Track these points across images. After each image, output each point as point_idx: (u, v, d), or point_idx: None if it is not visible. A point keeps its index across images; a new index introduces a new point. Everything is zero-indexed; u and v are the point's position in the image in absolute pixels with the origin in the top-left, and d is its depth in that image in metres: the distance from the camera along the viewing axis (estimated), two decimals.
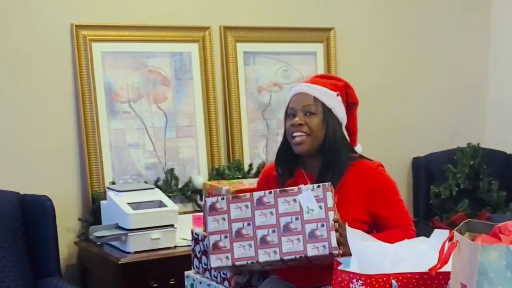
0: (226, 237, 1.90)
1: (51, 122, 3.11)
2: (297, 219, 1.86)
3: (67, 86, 3.13)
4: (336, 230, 1.88)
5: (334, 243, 1.84)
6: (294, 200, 1.86)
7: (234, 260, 1.90)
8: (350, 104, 2.18)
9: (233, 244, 1.89)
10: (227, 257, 1.90)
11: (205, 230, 2.38)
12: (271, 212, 1.87)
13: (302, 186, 1.87)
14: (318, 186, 1.85)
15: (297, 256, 1.88)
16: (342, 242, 1.87)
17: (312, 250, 1.86)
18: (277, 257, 1.88)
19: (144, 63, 3.28)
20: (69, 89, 3.14)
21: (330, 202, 1.84)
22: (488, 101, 4.22)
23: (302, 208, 1.85)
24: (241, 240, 1.89)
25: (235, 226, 1.89)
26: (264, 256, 1.89)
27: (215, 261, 1.92)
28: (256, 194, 1.89)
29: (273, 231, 1.87)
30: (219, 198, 1.91)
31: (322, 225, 1.84)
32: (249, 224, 1.88)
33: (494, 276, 1.34)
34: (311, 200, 1.85)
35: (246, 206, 1.88)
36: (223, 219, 1.90)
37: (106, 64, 3.18)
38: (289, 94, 2.18)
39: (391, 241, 1.97)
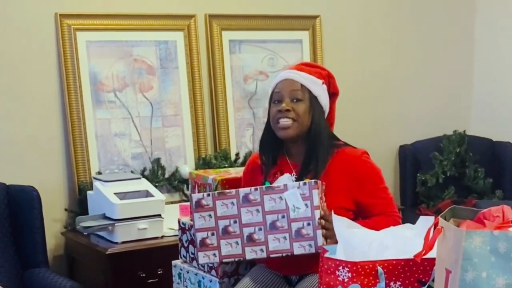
0: (213, 234, 1.90)
1: (36, 112, 3.09)
2: (283, 217, 1.86)
3: (52, 76, 3.11)
4: (323, 227, 1.88)
5: (320, 242, 1.85)
6: (280, 197, 1.86)
7: (222, 258, 1.92)
8: (331, 94, 2.19)
9: (220, 241, 1.90)
10: (214, 254, 1.91)
11: (192, 220, 2.39)
12: (257, 210, 1.87)
13: (288, 183, 1.86)
14: (304, 184, 1.85)
15: (284, 254, 1.90)
16: (330, 235, 1.88)
17: (299, 249, 1.87)
18: (264, 255, 1.90)
19: (129, 52, 3.26)
20: (54, 79, 3.11)
21: (316, 200, 1.84)
22: (474, 89, 4.23)
23: (288, 206, 1.85)
24: (228, 237, 1.89)
25: (222, 223, 1.89)
26: (251, 254, 1.90)
27: (203, 258, 1.93)
28: (242, 191, 1.88)
29: (260, 229, 1.88)
30: (205, 194, 1.89)
31: (308, 224, 1.84)
32: (235, 222, 1.89)
33: (478, 261, 1.35)
34: (297, 198, 1.84)
35: (232, 203, 1.88)
36: (210, 216, 1.89)
37: (91, 53, 3.16)
38: (274, 80, 2.17)
39: (377, 227, 1.98)
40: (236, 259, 1.96)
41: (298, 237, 1.86)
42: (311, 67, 2.18)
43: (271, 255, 1.90)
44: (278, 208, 1.86)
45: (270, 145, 2.17)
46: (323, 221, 1.87)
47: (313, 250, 1.86)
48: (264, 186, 1.89)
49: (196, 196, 1.90)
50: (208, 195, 1.90)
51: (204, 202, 1.89)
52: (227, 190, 1.90)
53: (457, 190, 3.85)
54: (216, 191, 1.91)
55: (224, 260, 1.96)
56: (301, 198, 1.85)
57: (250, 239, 1.88)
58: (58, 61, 3.11)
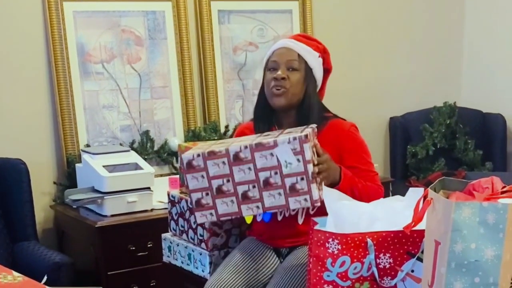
0: (207, 194, 1.88)
1: (23, 85, 3.06)
2: (276, 173, 1.83)
3: (38, 48, 3.07)
4: (318, 172, 1.87)
5: (315, 196, 1.84)
6: (271, 154, 1.83)
7: (219, 216, 1.90)
8: (324, 69, 2.18)
9: (216, 200, 1.88)
10: (211, 214, 1.89)
11: (181, 185, 2.38)
12: (249, 168, 1.84)
13: (278, 138, 1.83)
14: (295, 139, 1.81)
15: (280, 210, 1.89)
16: (326, 176, 1.91)
17: (294, 204, 1.85)
18: (261, 211, 1.88)
19: (117, 23, 3.21)
20: (41, 50, 3.07)
21: (308, 155, 1.81)
22: (464, 60, 4.22)
23: (280, 163, 1.83)
24: (223, 196, 1.87)
25: (215, 183, 1.87)
26: (248, 211, 1.88)
27: (200, 217, 1.91)
28: (232, 150, 1.84)
29: (254, 187, 1.85)
30: (195, 155, 1.86)
31: (302, 179, 1.82)
32: (228, 181, 1.86)
33: (467, 232, 1.35)
34: (288, 153, 1.81)
35: (223, 162, 1.85)
36: (202, 176, 1.87)
37: (78, 24, 3.12)
38: (271, 48, 2.16)
39: (366, 187, 1.99)
40: (233, 217, 1.94)
41: (293, 192, 1.83)
42: (309, 40, 2.17)
43: (267, 211, 1.89)
44: (270, 165, 1.83)
45: (264, 113, 2.15)
46: (316, 169, 1.86)
47: (308, 204, 1.84)
48: (253, 142, 1.86)
49: (186, 157, 1.87)
50: (198, 155, 1.86)
51: (195, 163, 1.86)
52: (217, 149, 1.86)
53: (447, 162, 3.85)
54: (206, 151, 1.87)
55: (221, 219, 1.95)
56: (293, 153, 1.82)
57: (245, 197, 1.86)
58: (45, 32, 3.06)
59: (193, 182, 1.87)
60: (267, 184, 1.84)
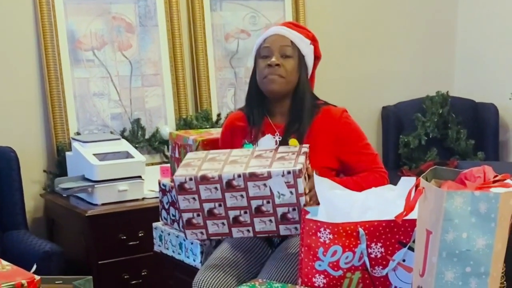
0: (198, 215, 1.88)
1: (13, 72, 3.04)
2: (268, 202, 1.84)
3: (28, 35, 3.05)
4: (310, 198, 1.86)
5: None
6: (264, 184, 1.82)
7: (209, 235, 1.91)
8: (314, 57, 2.16)
9: (207, 221, 1.88)
10: (201, 233, 1.90)
11: (172, 174, 2.36)
12: (241, 195, 1.84)
13: (272, 170, 1.82)
14: (289, 172, 1.81)
15: (270, 235, 1.90)
16: (311, 195, 1.87)
17: (285, 231, 1.87)
18: (251, 235, 1.89)
19: (107, 9, 3.19)
20: (31, 37, 3.05)
21: (301, 188, 1.81)
22: (457, 49, 4.21)
23: (273, 193, 1.83)
24: (214, 218, 1.88)
25: (207, 206, 1.87)
26: (238, 233, 1.89)
27: (190, 235, 1.92)
28: (225, 177, 1.83)
29: (245, 212, 1.86)
30: (187, 178, 1.85)
31: (294, 209, 1.83)
32: (220, 205, 1.86)
33: (459, 222, 1.34)
34: (282, 186, 1.81)
35: (216, 188, 1.84)
36: (194, 198, 1.86)
37: (68, 11, 3.09)
38: (262, 35, 2.14)
39: (365, 184, 1.99)
40: (223, 237, 1.98)
41: (284, 220, 1.85)
42: (299, 27, 2.16)
43: (258, 235, 1.90)
44: (263, 194, 1.83)
45: (255, 103, 2.13)
46: (308, 198, 1.86)
47: (298, 232, 1.85)
48: (247, 172, 1.84)
49: (178, 179, 1.86)
50: (191, 179, 1.84)
51: (187, 186, 1.85)
52: (210, 175, 1.84)
53: (440, 151, 3.86)
54: (199, 175, 1.85)
55: (211, 238, 1.98)
56: (286, 186, 1.82)
57: (236, 221, 1.87)
58: (35, 18, 3.04)
59: (184, 203, 1.87)
60: (258, 211, 1.85)
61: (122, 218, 2.80)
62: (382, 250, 1.62)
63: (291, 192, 1.81)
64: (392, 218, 1.57)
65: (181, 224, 2.27)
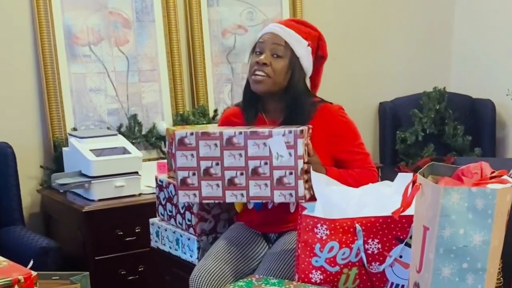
0: (194, 174, 1.87)
1: (9, 67, 3.03)
2: (266, 163, 1.83)
3: (25, 30, 3.03)
4: (306, 171, 1.87)
5: (301, 192, 1.83)
6: (264, 144, 1.82)
7: (202, 198, 1.90)
8: (319, 56, 2.15)
9: (201, 182, 1.88)
10: (194, 194, 1.89)
11: (169, 170, 2.36)
12: (240, 154, 1.84)
13: (273, 129, 1.83)
14: (290, 132, 1.81)
15: (264, 201, 1.89)
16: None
17: (279, 197, 1.85)
18: (244, 200, 1.88)
19: (104, 5, 3.18)
20: (27, 32, 3.04)
21: (301, 150, 1.81)
22: (454, 45, 4.21)
23: (271, 153, 1.82)
24: (209, 179, 1.87)
25: (204, 164, 1.86)
26: (231, 197, 1.88)
27: (183, 197, 1.91)
28: (226, 133, 1.84)
29: (241, 174, 1.85)
30: (188, 133, 1.86)
31: (291, 173, 1.82)
32: (217, 164, 1.86)
33: (456, 218, 1.34)
34: (281, 145, 1.81)
35: (215, 144, 1.84)
36: (192, 155, 1.86)
37: (65, 6, 3.08)
38: (261, 31, 2.13)
39: (358, 177, 1.99)
40: (216, 201, 1.95)
41: (279, 185, 1.84)
42: (302, 25, 2.12)
43: (251, 200, 1.89)
44: (261, 154, 1.83)
45: (249, 99, 2.13)
46: (306, 166, 1.85)
47: (293, 200, 1.85)
48: (248, 130, 1.84)
49: (179, 133, 1.87)
50: (192, 134, 1.86)
51: (187, 140, 1.86)
52: (211, 131, 1.85)
53: (437, 147, 3.86)
54: (200, 131, 1.86)
55: (204, 201, 1.95)
56: (285, 146, 1.81)
57: (231, 183, 1.86)
58: (31, 13, 3.03)
59: (181, 160, 1.87)
60: (255, 173, 1.84)
61: (119, 214, 2.80)
62: (379, 246, 1.62)
63: (290, 154, 1.81)
64: (389, 214, 1.57)
65: (176, 224, 2.29)
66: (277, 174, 1.83)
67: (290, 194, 1.83)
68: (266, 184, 1.84)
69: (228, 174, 1.85)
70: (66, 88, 3.09)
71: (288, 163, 1.82)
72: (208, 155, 1.86)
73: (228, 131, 1.85)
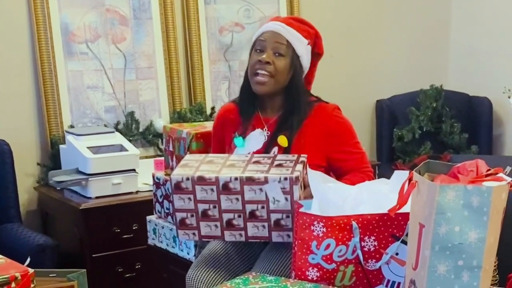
0: (192, 215, 1.88)
1: (6, 65, 3.02)
2: (263, 207, 1.84)
3: (22, 27, 3.03)
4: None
5: None
6: (260, 189, 1.83)
7: (201, 237, 1.92)
8: (315, 54, 2.14)
9: (200, 223, 1.89)
10: (194, 234, 1.91)
11: (166, 167, 2.36)
12: (236, 198, 1.84)
13: (269, 176, 1.82)
14: (285, 179, 1.81)
15: (262, 240, 1.91)
16: (307, 195, 1.86)
17: (277, 238, 1.87)
18: (243, 239, 1.90)
19: (101, 2, 3.18)
20: (24, 30, 3.04)
21: (296, 195, 1.82)
22: (450, 43, 4.22)
23: (268, 198, 1.83)
24: (207, 220, 1.88)
25: (201, 206, 1.87)
26: (230, 237, 1.90)
27: (183, 235, 1.93)
28: (222, 179, 1.84)
29: (239, 216, 1.86)
30: (184, 177, 1.85)
31: (288, 216, 1.83)
32: (215, 207, 1.86)
33: (451, 215, 1.35)
34: (278, 191, 1.82)
35: (212, 189, 1.84)
36: (189, 199, 1.87)
37: (62, 3, 3.08)
38: (261, 28, 2.11)
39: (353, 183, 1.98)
40: (215, 240, 2.00)
41: (277, 227, 1.85)
42: (301, 24, 2.12)
43: (250, 240, 1.91)
44: (258, 199, 1.84)
45: (246, 98, 2.13)
46: (302, 197, 1.84)
47: (290, 240, 1.85)
48: (244, 175, 1.85)
49: (175, 178, 1.86)
50: (188, 178, 1.85)
51: (183, 185, 1.86)
52: (207, 176, 1.85)
53: (433, 145, 3.86)
54: (196, 175, 1.86)
55: (203, 239, 2.00)
56: (282, 192, 1.82)
57: (229, 224, 1.88)
58: (28, 11, 3.02)
59: (179, 203, 1.88)
60: (252, 216, 1.85)
61: (116, 211, 2.80)
62: (375, 243, 1.62)
63: (286, 199, 1.82)
64: (385, 211, 1.57)
65: (173, 222, 2.28)
66: (274, 217, 1.84)
67: (288, 235, 1.85)
68: (264, 226, 1.86)
69: (226, 216, 1.87)
70: (63, 85, 3.09)
71: (285, 207, 1.83)
72: (205, 199, 1.86)
73: (223, 176, 1.84)
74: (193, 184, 1.85)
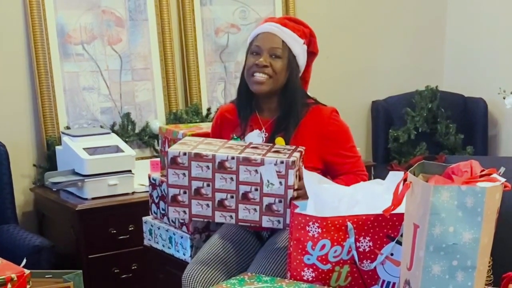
0: (185, 192, 1.88)
1: (2, 66, 3.02)
2: (256, 190, 1.85)
3: (18, 28, 3.03)
4: (297, 197, 1.87)
5: (289, 219, 1.84)
6: (256, 171, 1.83)
7: (191, 216, 1.92)
8: (310, 53, 2.15)
9: (192, 200, 1.89)
10: (184, 212, 1.91)
11: (162, 168, 2.37)
12: (231, 178, 1.85)
13: (265, 158, 1.83)
14: (282, 162, 1.82)
15: (252, 224, 1.91)
16: (302, 194, 1.86)
17: (267, 223, 1.88)
18: (233, 222, 1.90)
19: (97, 3, 3.18)
20: (20, 31, 3.03)
21: (291, 180, 1.82)
22: (446, 44, 4.23)
23: (262, 181, 1.83)
24: (199, 198, 1.88)
25: (195, 184, 1.87)
26: (221, 218, 1.90)
27: (173, 213, 1.93)
28: (218, 157, 1.84)
29: (232, 197, 1.86)
30: (181, 152, 1.86)
31: (280, 201, 1.84)
32: (208, 185, 1.87)
33: (445, 216, 1.35)
34: (273, 174, 1.82)
35: (207, 166, 1.85)
36: (184, 174, 1.87)
37: (58, 5, 3.08)
38: (256, 30, 2.11)
39: (346, 184, 1.99)
40: (205, 220, 1.99)
41: (268, 211, 1.86)
42: (295, 23, 2.12)
43: (240, 223, 1.91)
44: (252, 181, 1.84)
45: (243, 99, 2.13)
46: (296, 194, 1.86)
47: (281, 226, 1.87)
48: (241, 155, 1.85)
49: (172, 152, 1.87)
50: (185, 154, 1.86)
51: (179, 160, 1.86)
52: (204, 153, 1.86)
53: (429, 146, 3.87)
54: (193, 151, 1.86)
55: (193, 218, 1.98)
56: (277, 175, 1.82)
57: (221, 204, 1.88)
58: (24, 12, 3.02)
59: (173, 178, 1.88)
60: (245, 197, 1.86)
61: (112, 212, 2.80)
62: (370, 244, 1.63)
63: (280, 183, 1.82)
64: (380, 212, 1.58)
65: (169, 222, 2.29)
66: (266, 200, 1.85)
67: (278, 221, 1.85)
68: (255, 209, 1.86)
69: (218, 196, 1.87)
70: (59, 86, 3.08)
71: (278, 192, 1.83)
72: (200, 176, 1.86)
73: (220, 154, 1.85)
74: (190, 160, 1.85)
